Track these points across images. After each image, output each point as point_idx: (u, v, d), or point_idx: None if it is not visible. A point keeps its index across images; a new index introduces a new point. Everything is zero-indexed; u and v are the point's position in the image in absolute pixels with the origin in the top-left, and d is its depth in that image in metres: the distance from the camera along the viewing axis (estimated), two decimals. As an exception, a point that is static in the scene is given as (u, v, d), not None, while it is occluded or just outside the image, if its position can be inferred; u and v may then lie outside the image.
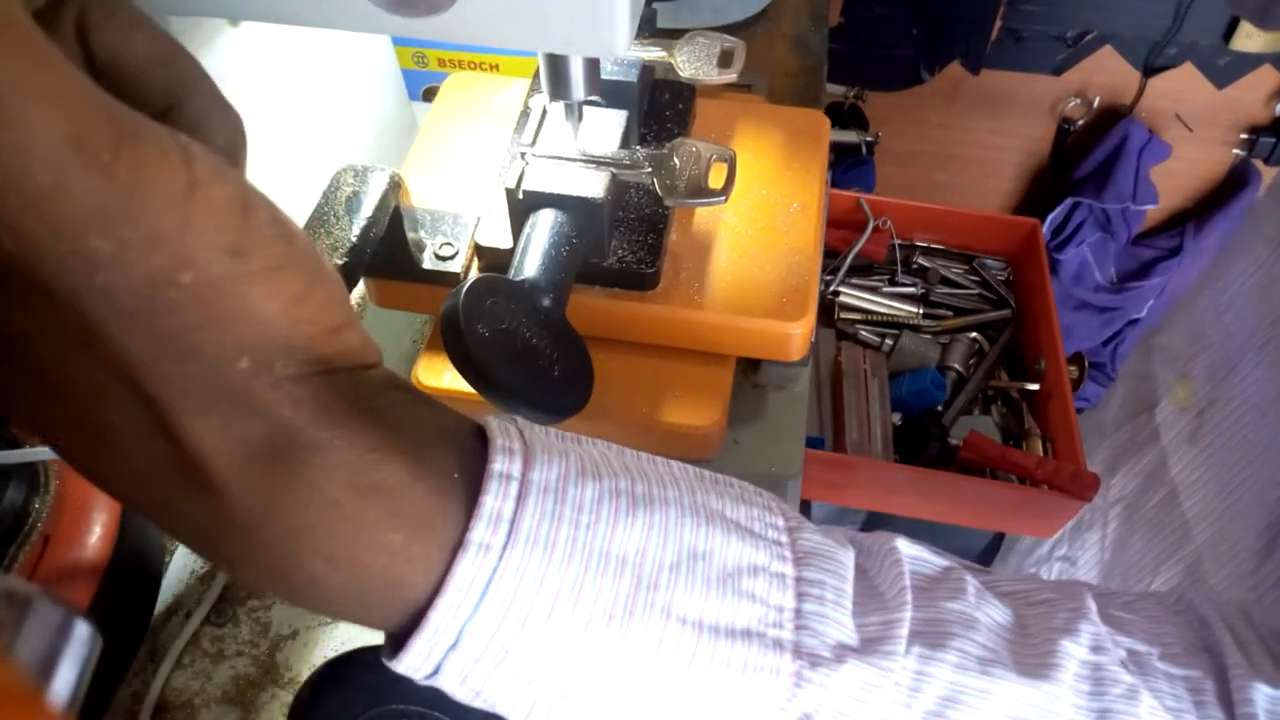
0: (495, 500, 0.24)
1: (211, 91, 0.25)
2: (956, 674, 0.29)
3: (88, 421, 0.21)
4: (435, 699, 0.42)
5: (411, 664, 0.24)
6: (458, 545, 0.24)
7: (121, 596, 0.48)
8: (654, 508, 0.27)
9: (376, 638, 0.27)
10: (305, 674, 0.48)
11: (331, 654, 0.46)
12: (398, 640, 0.25)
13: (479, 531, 0.24)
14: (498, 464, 0.25)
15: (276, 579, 0.23)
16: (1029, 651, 0.31)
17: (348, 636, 0.50)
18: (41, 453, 0.45)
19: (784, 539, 0.29)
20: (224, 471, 0.22)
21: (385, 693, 0.42)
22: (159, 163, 0.19)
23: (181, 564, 0.52)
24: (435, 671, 0.24)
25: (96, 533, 0.46)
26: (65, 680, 0.21)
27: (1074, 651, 0.30)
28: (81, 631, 0.22)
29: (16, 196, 0.17)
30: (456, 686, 0.25)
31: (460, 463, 0.25)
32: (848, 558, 0.30)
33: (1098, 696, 0.30)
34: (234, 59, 0.48)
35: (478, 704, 0.26)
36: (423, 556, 0.24)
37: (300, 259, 0.22)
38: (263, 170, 0.55)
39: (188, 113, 0.24)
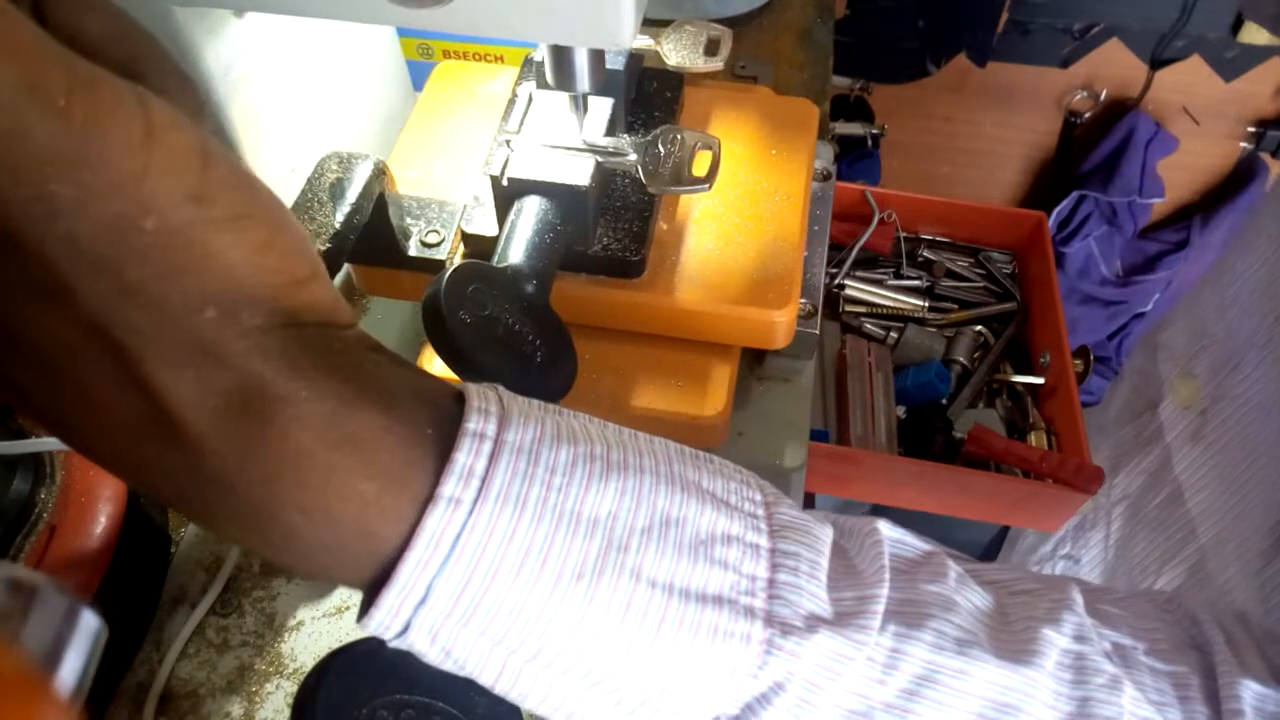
0: (467, 457, 0.24)
1: (169, 66, 0.25)
2: (933, 654, 0.29)
3: (60, 380, 0.22)
4: (439, 689, 0.42)
5: (382, 620, 0.24)
6: (429, 500, 0.24)
7: (127, 586, 0.49)
8: (628, 473, 0.27)
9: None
10: (310, 664, 0.49)
11: (336, 644, 0.47)
12: (370, 603, 0.25)
13: (449, 486, 0.24)
14: (472, 423, 0.25)
15: (255, 531, 0.24)
16: (1009, 637, 0.30)
17: (353, 626, 0.50)
18: (47, 443, 0.45)
19: (760, 512, 0.29)
20: (197, 423, 0.22)
21: (390, 683, 0.42)
22: (115, 107, 0.19)
23: (187, 554, 0.53)
24: (405, 629, 0.24)
25: (102, 523, 0.46)
26: (71, 669, 0.21)
27: (1055, 640, 0.30)
28: (87, 620, 0.22)
29: None
30: (427, 645, 0.25)
31: (435, 421, 0.25)
32: (825, 534, 0.30)
33: (1079, 685, 0.30)
34: (238, 50, 0.49)
35: (449, 665, 0.26)
36: (394, 508, 0.24)
37: (263, 209, 0.23)
38: (265, 160, 0.55)
39: (147, 87, 0.25)
